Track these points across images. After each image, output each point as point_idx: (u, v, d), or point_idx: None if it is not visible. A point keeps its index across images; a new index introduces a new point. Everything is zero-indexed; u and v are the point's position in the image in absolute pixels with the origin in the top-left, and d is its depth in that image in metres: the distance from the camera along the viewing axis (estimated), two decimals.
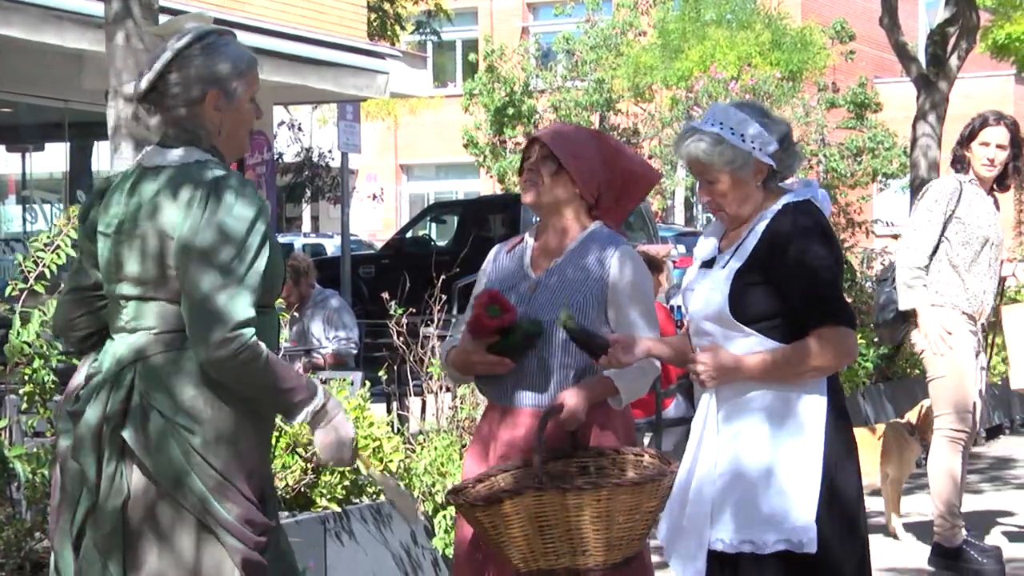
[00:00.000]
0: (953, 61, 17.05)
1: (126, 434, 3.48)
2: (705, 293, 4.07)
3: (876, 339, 10.62)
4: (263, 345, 3.45)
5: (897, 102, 28.84)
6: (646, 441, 8.81)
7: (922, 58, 17.62)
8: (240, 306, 3.40)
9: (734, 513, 3.99)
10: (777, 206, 4.05)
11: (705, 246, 4.23)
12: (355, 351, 10.10)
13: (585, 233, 4.44)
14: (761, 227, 4.02)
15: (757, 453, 3.98)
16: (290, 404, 3.53)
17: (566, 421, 4.21)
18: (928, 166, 17.05)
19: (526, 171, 4.45)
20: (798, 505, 3.94)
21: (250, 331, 3.42)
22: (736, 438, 4.02)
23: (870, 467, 8.07)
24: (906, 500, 8.42)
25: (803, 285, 3.93)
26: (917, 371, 11.07)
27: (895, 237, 22.92)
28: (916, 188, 17.32)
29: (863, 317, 10.92)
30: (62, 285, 3.85)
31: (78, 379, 3.65)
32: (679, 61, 26.78)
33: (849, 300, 11.46)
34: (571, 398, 4.22)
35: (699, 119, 4.16)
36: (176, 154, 3.60)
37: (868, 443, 8.07)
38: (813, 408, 3.98)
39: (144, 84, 3.62)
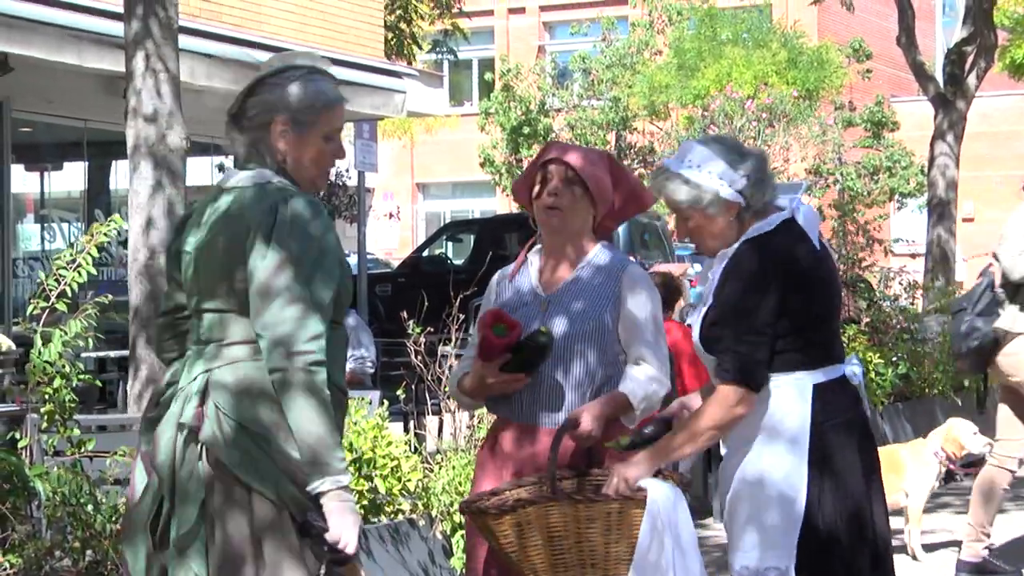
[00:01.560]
0: (971, 80, 17.03)
1: (202, 437, 3.55)
2: (695, 323, 4.12)
3: (894, 359, 10.63)
4: (324, 380, 3.47)
5: (914, 121, 28.81)
6: None
7: (939, 77, 17.60)
8: (307, 328, 3.46)
9: (731, 540, 4.02)
10: (738, 243, 4.05)
11: (702, 283, 4.26)
12: (371, 370, 10.11)
13: (593, 253, 4.45)
14: (720, 268, 4.06)
15: (744, 482, 4.02)
16: (317, 460, 3.46)
17: (581, 437, 4.21)
18: (946, 185, 17.03)
19: (548, 194, 4.41)
20: (782, 529, 3.95)
21: (316, 356, 3.46)
22: (725, 470, 4.07)
23: (891, 486, 8.07)
24: (926, 519, 8.39)
25: (719, 329, 3.98)
26: (935, 390, 11.05)
27: (913, 256, 22.90)
28: (933, 207, 17.32)
29: (881, 336, 10.91)
30: (84, 305, 3.86)
31: (159, 387, 3.78)
32: (695, 80, 26.79)
33: (866, 320, 11.51)
34: (587, 415, 4.22)
35: (669, 157, 4.19)
36: (247, 175, 3.70)
37: (890, 462, 8.07)
38: (796, 433, 3.96)
39: (234, 106, 3.76)
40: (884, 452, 8.16)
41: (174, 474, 3.58)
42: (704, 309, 4.05)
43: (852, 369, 4.09)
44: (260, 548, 3.51)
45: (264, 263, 3.50)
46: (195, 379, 3.61)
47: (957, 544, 7.92)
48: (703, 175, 4.02)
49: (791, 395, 3.98)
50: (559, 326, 4.32)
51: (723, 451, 4.13)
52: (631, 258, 4.55)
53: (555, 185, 4.39)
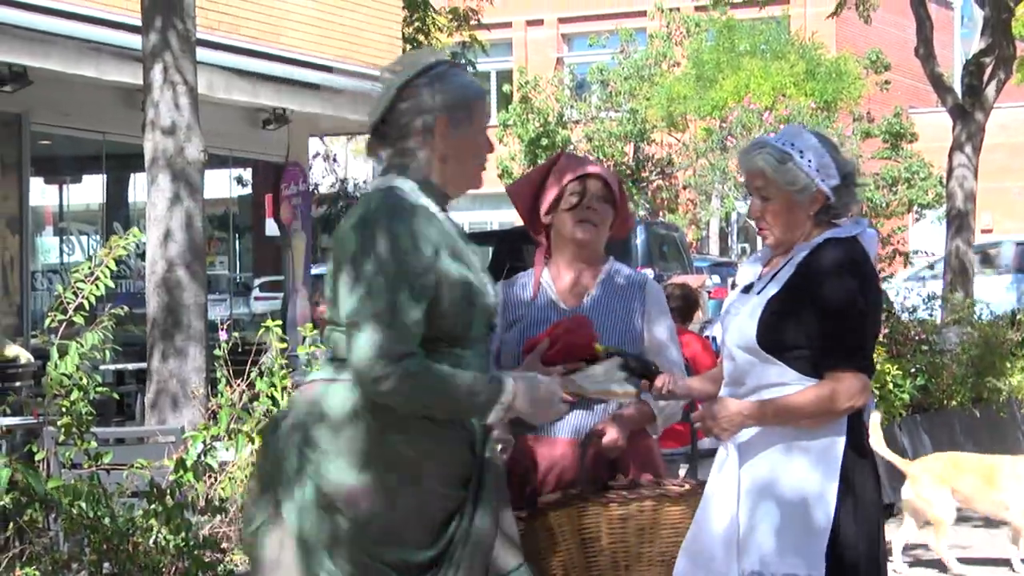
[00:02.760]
0: (989, 91, 16.99)
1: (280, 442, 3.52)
2: (739, 318, 4.07)
3: (912, 370, 10.57)
4: (426, 369, 3.38)
5: (932, 132, 28.76)
6: (682, 472, 8.77)
7: (958, 88, 17.56)
8: (393, 341, 3.34)
9: (747, 544, 3.98)
10: (820, 239, 4.03)
11: (747, 272, 4.23)
12: None
13: (609, 267, 4.48)
14: (800, 257, 4.02)
15: (772, 486, 3.98)
16: (471, 409, 3.48)
17: (608, 448, 4.20)
18: (964, 196, 16.98)
19: (584, 208, 4.39)
20: (809, 539, 3.92)
21: (410, 361, 3.36)
22: (751, 471, 4.02)
23: (988, 498, 8.11)
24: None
25: (824, 322, 3.92)
26: (954, 403, 11.00)
27: (932, 267, 22.84)
28: (952, 219, 17.28)
29: (899, 348, 10.86)
30: (102, 317, 3.84)
31: None
32: (713, 91, 26.79)
33: (885, 330, 11.47)
34: (612, 425, 4.22)
35: (771, 136, 4.18)
36: (376, 182, 3.60)
37: (988, 474, 8.09)
38: (830, 443, 3.96)
39: (376, 115, 3.62)
40: (981, 464, 8.20)
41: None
42: (771, 294, 4.01)
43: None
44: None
45: (351, 272, 3.40)
46: (297, 392, 3.62)
47: (973, 559, 7.88)
48: (804, 161, 4.02)
49: None
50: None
51: (726, 452, 4.07)
52: (648, 271, 4.56)
53: (589, 199, 4.38)
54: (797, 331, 3.95)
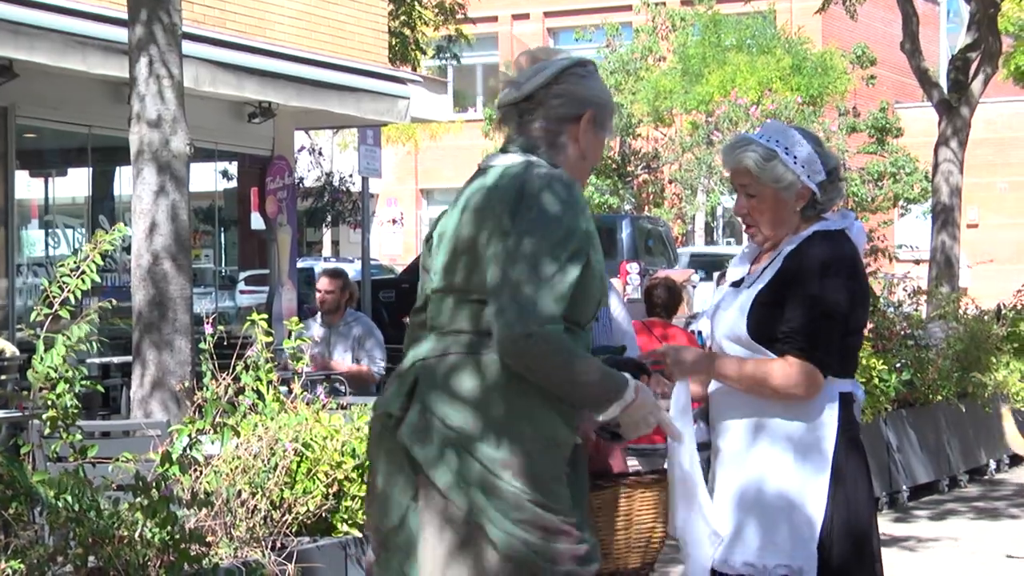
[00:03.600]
0: (975, 86, 17.03)
1: (403, 431, 3.44)
2: (729, 312, 4.09)
3: (897, 365, 10.59)
4: (567, 341, 3.38)
5: (919, 127, 28.83)
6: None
7: (944, 83, 17.59)
8: (546, 301, 3.33)
9: (738, 537, 4.00)
10: (807, 232, 4.05)
11: (736, 268, 4.26)
12: (379, 376, 10.09)
13: None
14: (788, 250, 4.05)
15: (762, 479, 3.99)
16: (596, 399, 3.46)
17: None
18: (950, 191, 17.02)
19: None
20: (800, 530, 3.94)
21: (555, 327, 3.34)
22: (742, 465, 4.03)
23: None
24: (932, 526, 8.38)
25: (801, 312, 3.94)
26: (940, 397, 11.03)
27: (917, 263, 22.91)
28: (937, 213, 17.32)
29: (884, 343, 10.88)
30: (88, 310, 3.81)
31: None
32: (699, 86, 26.81)
33: (870, 326, 11.49)
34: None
35: (754, 132, 4.20)
36: (512, 157, 3.56)
37: None
38: (821, 437, 3.98)
39: (528, 88, 3.58)
40: None
41: (386, 468, 3.48)
42: (760, 288, 4.03)
43: (857, 387, 4.13)
44: (451, 552, 3.38)
45: (512, 239, 3.37)
46: (409, 367, 3.50)
47: (962, 551, 7.91)
48: (789, 158, 4.05)
49: (822, 398, 3.99)
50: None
51: (719, 444, 4.09)
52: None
53: None
54: (783, 319, 3.98)
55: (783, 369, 3.94)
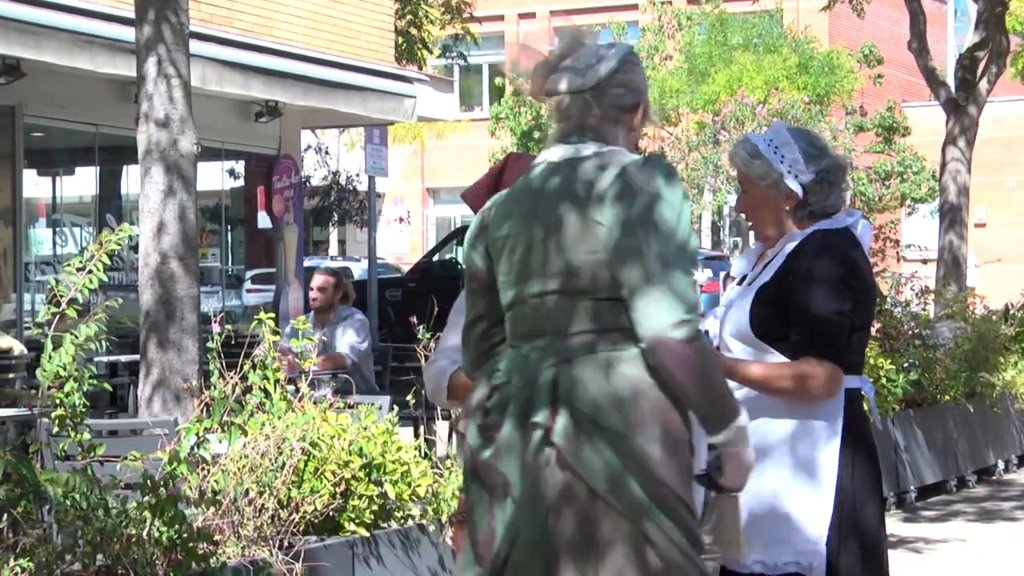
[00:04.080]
0: (982, 85, 17.00)
1: (556, 438, 3.28)
2: (734, 310, 4.11)
3: (905, 365, 10.58)
4: (705, 345, 3.31)
5: (926, 126, 28.78)
6: None
7: (951, 82, 17.57)
8: (689, 289, 3.25)
9: (748, 535, 3.99)
10: (810, 229, 4.07)
11: (739, 265, 4.28)
12: (350, 361, 10.08)
13: None
14: (789, 247, 4.07)
15: (771, 476, 3.99)
16: (722, 413, 3.33)
17: None
18: (958, 190, 16.99)
19: None
20: (809, 527, 3.95)
21: (699, 317, 3.28)
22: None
23: None
24: (938, 527, 8.37)
25: (804, 310, 3.95)
26: (948, 397, 11.02)
27: (925, 262, 22.89)
28: (945, 212, 17.29)
29: (892, 342, 10.87)
30: (96, 309, 3.76)
31: (479, 394, 3.46)
32: (706, 85, 26.80)
33: (877, 325, 11.48)
34: None
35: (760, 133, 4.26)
36: (591, 147, 3.44)
37: None
38: (827, 433, 3.99)
39: (595, 76, 3.48)
40: None
41: (524, 479, 3.30)
42: (760, 283, 4.04)
43: (866, 383, 4.14)
44: (610, 558, 3.24)
45: (641, 230, 3.26)
46: (541, 374, 3.31)
47: (970, 551, 7.89)
48: (776, 156, 4.09)
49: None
50: None
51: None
52: None
53: None
54: (787, 320, 3.99)
55: (804, 370, 3.94)
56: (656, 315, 3.22)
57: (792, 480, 3.99)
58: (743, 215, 4.22)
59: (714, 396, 3.31)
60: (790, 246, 4.06)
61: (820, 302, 3.94)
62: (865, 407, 4.16)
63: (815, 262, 3.98)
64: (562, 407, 3.28)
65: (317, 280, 10.29)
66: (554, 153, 3.50)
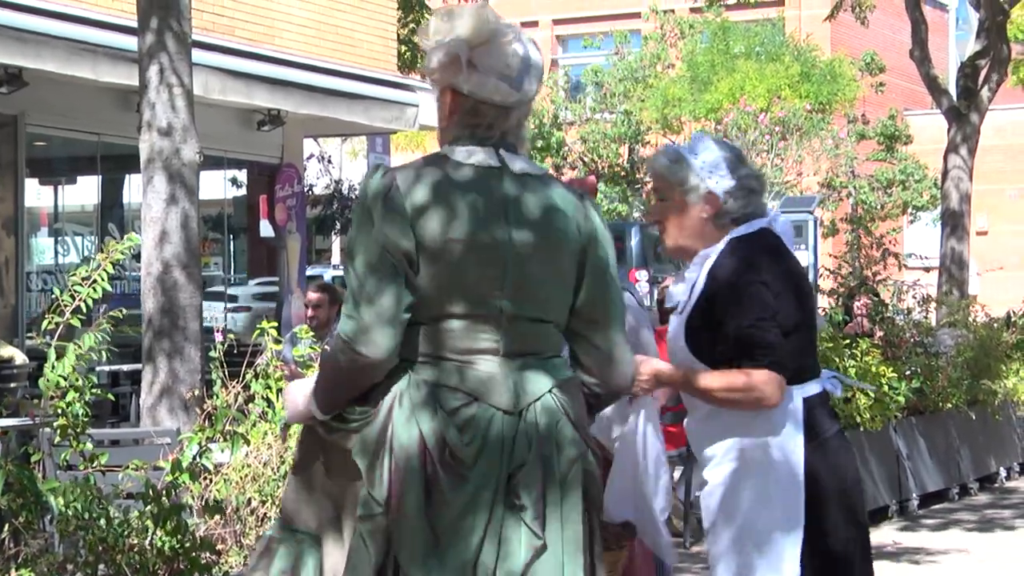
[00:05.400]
0: (984, 93, 17.00)
1: (588, 466, 3.31)
2: (672, 343, 4.07)
3: (907, 372, 10.57)
4: None
5: (928, 134, 28.78)
6: (676, 474, 8.77)
7: (953, 91, 17.58)
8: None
9: (721, 562, 3.98)
10: (725, 240, 4.03)
11: (675, 293, 4.18)
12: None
13: None
14: (708, 266, 4.02)
15: (741, 501, 3.94)
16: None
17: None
18: (959, 198, 17.00)
19: None
20: (781, 543, 3.90)
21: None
22: (723, 487, 3.98)
23: None
24: (937, 536, 8.36)
25: (728, 324, 3.91)
26: (950, 405, 11.01)
27: (927, 270, 22.89)
28: (947, 220, 17.29)
29: (894, 350, 10.86)
30: (99, 320, 3.74)
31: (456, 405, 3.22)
32: (708, 93, 26.79)
33: (879, 333, 11.47)
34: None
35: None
36: (536, 166, 3.40)
37: None
38: (790, 450, 3.91)
39: (533, 90, 3.36)
40: None
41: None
42: (688, 310, 4.01)
43: (832, 383, 4.07)
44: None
45: (612, 274, 3.43)
46: (543, 396, 3.25)
47: (972, 560, 7.89)
48: (696, 161, 4.09)
49: (783, 408, 3.91)
50: None
51: (705, 457, 4.07)
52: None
53: None
54: (723, 339, 3.93)
55: (746, 379, 3.87)
56: (622, 357, 3.49)
57: (760, 502, 3.92)
58: (655, 223, 4.21)
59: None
60: (709, 263, 4.02)
61: (738, 315, 3.89)
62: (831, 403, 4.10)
63: (728, 275, 3.95)
64: (562, 430, 3.33)
65: (311, 298, 10.17)
66: (511, 160, 3.34)
